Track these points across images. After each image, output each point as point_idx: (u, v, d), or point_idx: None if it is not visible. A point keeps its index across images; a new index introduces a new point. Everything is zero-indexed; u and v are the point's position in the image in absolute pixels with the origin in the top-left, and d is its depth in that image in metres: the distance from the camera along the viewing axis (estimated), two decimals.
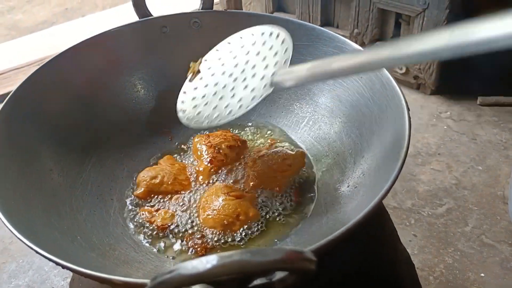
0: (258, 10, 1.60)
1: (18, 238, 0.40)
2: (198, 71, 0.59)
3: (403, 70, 1.32)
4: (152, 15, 0.68)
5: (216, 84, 0.56)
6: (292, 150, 0.63)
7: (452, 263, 0.89)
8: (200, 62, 0.60)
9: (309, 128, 0.65)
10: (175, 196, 0.58)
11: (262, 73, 0.52)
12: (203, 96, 0.56)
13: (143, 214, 0.56)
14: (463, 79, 1.36)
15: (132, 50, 0.68)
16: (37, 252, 0.38)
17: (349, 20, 1.38)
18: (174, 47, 0.69)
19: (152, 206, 0.57)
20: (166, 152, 0.66)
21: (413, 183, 1.07)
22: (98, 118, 0.64)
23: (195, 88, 0.58)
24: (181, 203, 0.57)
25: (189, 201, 0.57)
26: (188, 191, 0.58)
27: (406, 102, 0.50)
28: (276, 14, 1.54)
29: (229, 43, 0.59)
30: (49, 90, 0.59)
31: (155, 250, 0.53)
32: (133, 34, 0.67)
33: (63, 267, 0.38)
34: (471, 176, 1.07)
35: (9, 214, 0.42)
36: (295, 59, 0.67)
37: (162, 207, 0.57)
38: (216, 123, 0.53)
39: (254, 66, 0.53)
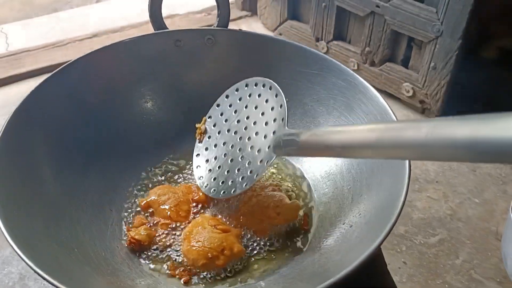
0: (272, 16, 1.60)
1: (19, 256, 0.40)
2: (205, 131, 0.60)
3: (410, 93, 1.32)
4: (167, 28, 0.69)
5: (224, 144, 0.57)
6: (291, 197, 0.61)
7: None
8: (205, 121, 0.61)
9: (311, 157, 0.66)
10: (167, 221, 0.57)
11: (263, 132, 0.53)
12: (215, 158, 0.58)
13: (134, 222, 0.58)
14: (470, 108, 1.36)
15: (145, 61, 0.68)
16: (35, 272, 0.39)
17: (361, 37, 1.38)
18: (186, 61, 0.70)
19: (146, 218, 0.59)
20: (166, 163, 0.67)
21: (408, 209, 1.07)
22: (102, 128, 0.64)
23: (206, 149, 0.60)
24: (167, 229, 0.57)
25: (176, 229, 0.58)
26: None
27: None
28: (289, 22, 1.54)
29: (228, 96, 0.59)
30: (56, 101, 0.60)
31: (148, 267, 0.54)
32: (147, 45, 0.68)
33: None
34: (467, 208, 1.08)
35: (9, 225, 0.43)
36: (304, 87, 0.67)
37: (148, 225, 0.58)
38: (232, 192, 0.54)
39: (255, 122, 0.54)
